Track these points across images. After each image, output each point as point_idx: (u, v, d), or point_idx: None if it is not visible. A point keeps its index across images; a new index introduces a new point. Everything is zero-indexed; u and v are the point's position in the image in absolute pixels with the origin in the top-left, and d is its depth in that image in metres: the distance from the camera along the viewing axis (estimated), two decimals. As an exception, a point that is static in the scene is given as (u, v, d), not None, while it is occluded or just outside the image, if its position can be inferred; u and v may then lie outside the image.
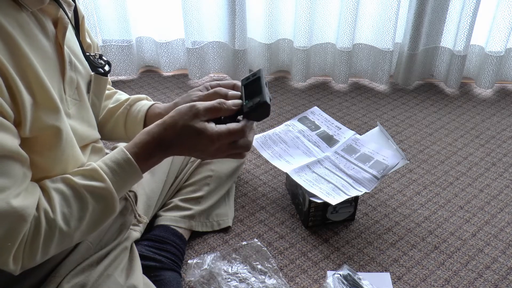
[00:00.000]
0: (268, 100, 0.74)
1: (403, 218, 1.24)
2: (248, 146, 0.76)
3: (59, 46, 0.73)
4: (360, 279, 1.00)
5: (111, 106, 0.99)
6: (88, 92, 0.84)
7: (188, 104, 0.74)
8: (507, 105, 1.83)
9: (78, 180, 0.71)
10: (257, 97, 0.75)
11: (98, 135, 0.88)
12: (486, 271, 1.09)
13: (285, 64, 1.98)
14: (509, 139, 1.61)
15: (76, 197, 0.70)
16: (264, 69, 1.95)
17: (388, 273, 1.08)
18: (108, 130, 0.98)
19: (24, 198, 0.64)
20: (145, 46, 1.96)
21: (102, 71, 0.85)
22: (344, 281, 1.00)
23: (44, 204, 0.67)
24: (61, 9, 0.73)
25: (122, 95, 1.02)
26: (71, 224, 0.69)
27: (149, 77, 1.99)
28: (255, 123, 0.79)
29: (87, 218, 0.71)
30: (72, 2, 0.77)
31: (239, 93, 0.80)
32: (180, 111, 0.74)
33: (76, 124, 0.78)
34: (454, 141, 1.59)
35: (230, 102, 0.76)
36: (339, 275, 1.01)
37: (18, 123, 0.64)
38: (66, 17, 0.73)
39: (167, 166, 1.12)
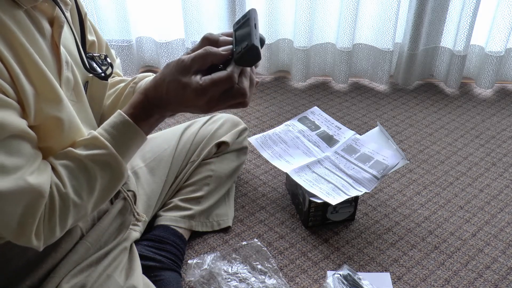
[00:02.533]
0: (255, 42, 0.68)
1: (403, 218, 1.24)
2: (243, 93, 0.69)
3: (55, 46, 0.72)
4: (360, 279, 1.00)
5: (115, 96, 0.97)
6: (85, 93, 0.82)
7: (176, 59, 0.72)
8: (507, 105, 1.83)
9: (80, 151, 0.71)
10: (246, 40, 0.69)
11: None
12: (486, 271, 1.09)
13: (285, 64, 1.98)
14: (509, 139, 1.61)
15: (81, 168, 0.70)
16: (264, 69, 1.95)
17: (388, 273, 1.08)
18: None
19: (39, 175, 0.65)
20: (145, 46, 1.96)
21: (103, 74, 0.83)
22: (344, 281, 1.00)
23: (55, 179, 0.68)
24: (57, 7, 0.72)
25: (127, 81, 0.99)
26: (83, 195, 0.70)
27: (149, 77, 1.99)
28: (252, 68, 0.73)
29: (98, 187, 0.71)
30: (69, 1, 0.76)
31: (230, 38, 0.74)
32: (168, 66, 0.71)
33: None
34: (454, 141, 1.59)
35: (220, 48, 0.71)
36: (339, 275, 1.01)
37: (22, 110, 0.65)
38: (62, 15, 0.73)
39: (167, 166, 1.12)
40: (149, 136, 1.18)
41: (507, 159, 1.50)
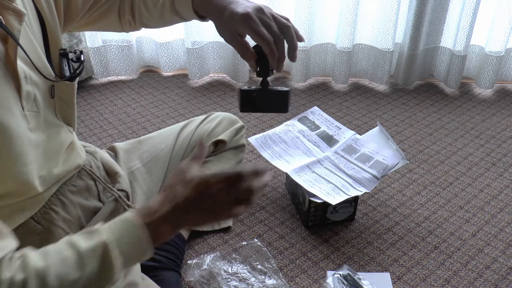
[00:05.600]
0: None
1: (403, 218, 1.24)
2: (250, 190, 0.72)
3: (11, 63, 0.68)
4: (360, 279, 1.00)
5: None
6: (52, 97, 0.79)
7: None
8: (507, 105, 1.83)
9: (75, 240, 0.66)
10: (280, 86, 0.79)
11: (69, 137, 0.86)
12: (486, 271, 1.09)
13: (285, 64, 1.98)
14: (509, 139, 1.61)
15: (70, 258, 0.64)
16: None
17: (388, 273, 1.07)
18: (155, 17, 0.94)
19: None
20: (145, 46, 1.96)
21: (70, 75, 0.80)
22: (344, 281, 0.99)
23: (37, 266, 0.62)
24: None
25: None
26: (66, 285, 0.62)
27: (149, 77, 1.99)
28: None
29: (83, 280, 0.63)
30: (23, 10, 0.69)
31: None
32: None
33: (42, 136, 0.75)
34: (454, 141, 1.59)
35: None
36: (339, 275, 1.01)
37: None
38: (16, 31, 0.68)
39: (164, 165, 1.12)
40: (146, 136, 1.19)
41: (507, 159, 1.49)
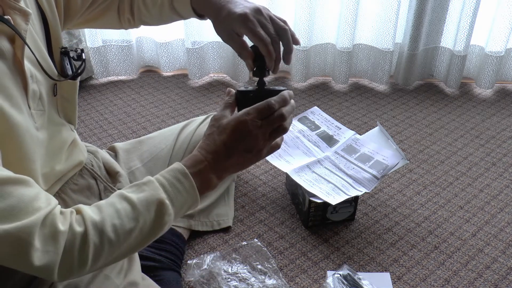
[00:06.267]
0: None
1: (403, 218, 1.24)
2: (282, 115, 0.74)
3: (19, 63, 0.68)
4: (360, 279, 1.00)
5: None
6: (54, 95, 0.79)
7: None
8: (507, 105, 1.83)
9: (130, 193, 0.68)
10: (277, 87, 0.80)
11: (71, 135, 0.87)
12: (486, 271, 1.09)
13: (285, 64, 1.98)
14: (509, 139, 1.61)
15: (127, 210, 0.66)
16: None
17: (388, 273, 1.07)
18: (154, 15, 0.95)
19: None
20: (145, 46, 1.96)
21: (73, 74, 0.81)
22: (344, 281, 1.00)
23: (94, 216, 0.64)
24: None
25: None
26: (121, 236, 0.65)
27: (149, 77, 1.99)
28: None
29: (137, 231, 0.66)
30: (29, 10, 0.69)
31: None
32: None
33: (46, 134, 0.76)
34: (454, 141, 1.59)
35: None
36: (339, 275, 1.01)
37: None
38: (23, 30, 0.68)
39: (164, 165, 1.12)
40: (146, 136, 1.19)
41: (507, 159, 1.49)
